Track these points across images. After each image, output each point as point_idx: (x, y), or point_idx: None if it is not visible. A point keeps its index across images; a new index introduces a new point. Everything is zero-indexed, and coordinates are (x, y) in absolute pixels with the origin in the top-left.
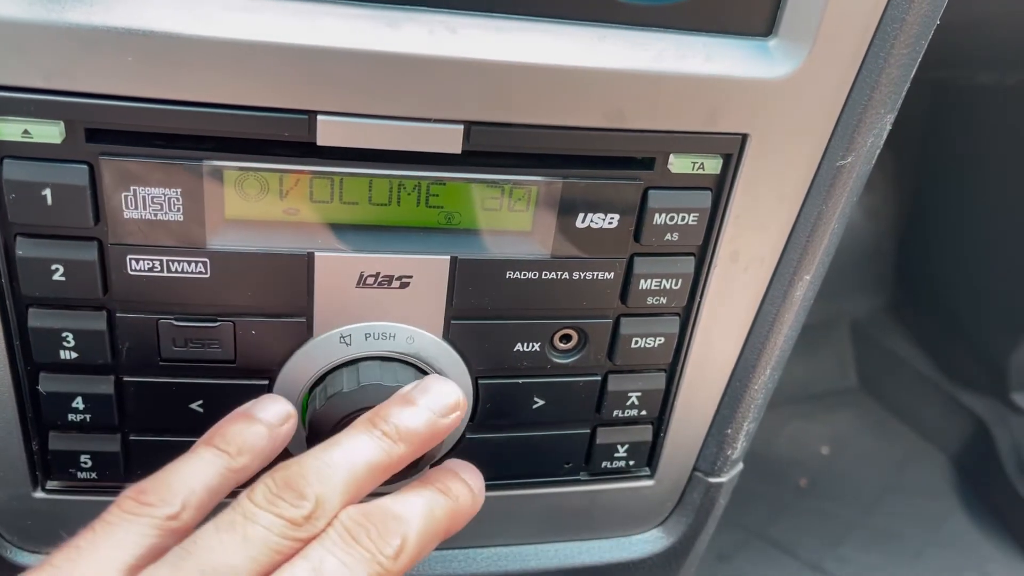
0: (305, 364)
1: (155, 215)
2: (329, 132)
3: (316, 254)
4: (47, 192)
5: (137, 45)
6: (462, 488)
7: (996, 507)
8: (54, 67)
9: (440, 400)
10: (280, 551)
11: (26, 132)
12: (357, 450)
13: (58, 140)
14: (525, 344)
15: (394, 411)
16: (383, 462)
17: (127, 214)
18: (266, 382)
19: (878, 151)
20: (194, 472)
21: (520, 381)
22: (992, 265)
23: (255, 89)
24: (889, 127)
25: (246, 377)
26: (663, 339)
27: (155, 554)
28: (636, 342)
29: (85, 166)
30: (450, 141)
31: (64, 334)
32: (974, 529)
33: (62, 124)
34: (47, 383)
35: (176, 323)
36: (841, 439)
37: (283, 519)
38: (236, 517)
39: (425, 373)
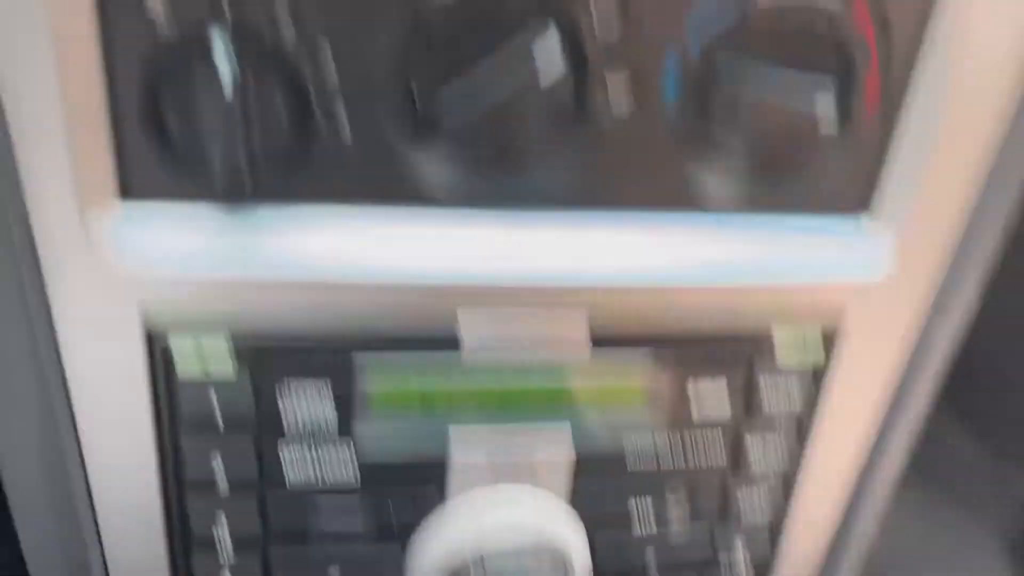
0: (438, 530)
1: (308, 409)
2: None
3: (451, 427)
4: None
5: (303, 293)
6: None
7: None
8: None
9: None
10: None
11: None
12: None
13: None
14: (639, 499)
15: None
16: None
17: (280, 405)
18: (399, 547)
19: None
20: None
21: (635, 535)
22: None
23: (411, 316)
24: None
25: (380, 543)
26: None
27: None
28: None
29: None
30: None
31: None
32: None
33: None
34: (199, 557)
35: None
36: (892, 526)
37: None
38: None
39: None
